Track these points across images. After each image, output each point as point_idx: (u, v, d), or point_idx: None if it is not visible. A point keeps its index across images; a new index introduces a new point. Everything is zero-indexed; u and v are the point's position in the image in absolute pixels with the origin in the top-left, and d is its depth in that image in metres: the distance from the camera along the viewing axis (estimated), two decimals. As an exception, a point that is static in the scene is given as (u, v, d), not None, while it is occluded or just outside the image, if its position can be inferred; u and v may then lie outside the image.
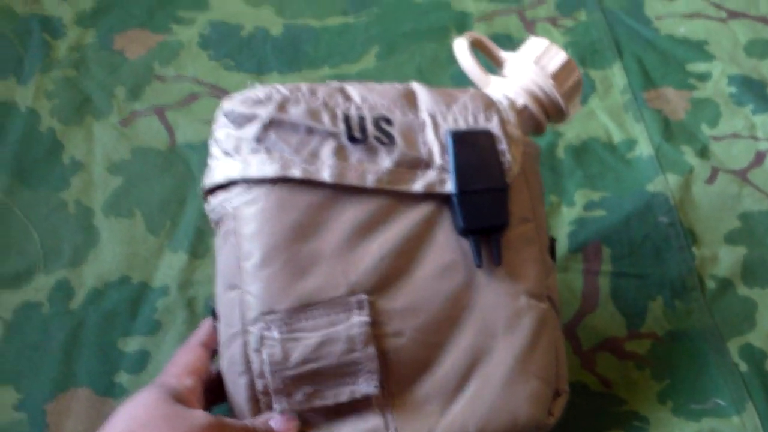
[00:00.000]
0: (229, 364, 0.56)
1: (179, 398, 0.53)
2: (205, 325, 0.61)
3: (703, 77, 0.92)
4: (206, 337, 0.60)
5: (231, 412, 0.57)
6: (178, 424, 0.51)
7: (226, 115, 0.57)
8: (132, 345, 0.70)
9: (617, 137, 0.86)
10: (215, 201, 0.58)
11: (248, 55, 0.93)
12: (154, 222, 0.78)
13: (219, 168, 0.57)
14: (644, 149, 0.85)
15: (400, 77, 0.90)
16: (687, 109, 0.89)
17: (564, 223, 0.79)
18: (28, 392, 0.67)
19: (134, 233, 0.77)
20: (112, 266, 0.74)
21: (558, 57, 0.64)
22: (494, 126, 0.60)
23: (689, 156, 0.84)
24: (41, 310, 0.72)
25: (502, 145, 0.59)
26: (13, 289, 0.73)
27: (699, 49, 0.95)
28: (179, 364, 0.57)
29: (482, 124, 0.60)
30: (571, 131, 0.86)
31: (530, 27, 0.98)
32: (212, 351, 0.59)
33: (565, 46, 0.95)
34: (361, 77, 0.91)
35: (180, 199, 0.80)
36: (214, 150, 0.58)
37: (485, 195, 0.58)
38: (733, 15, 1.00)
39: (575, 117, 0.87)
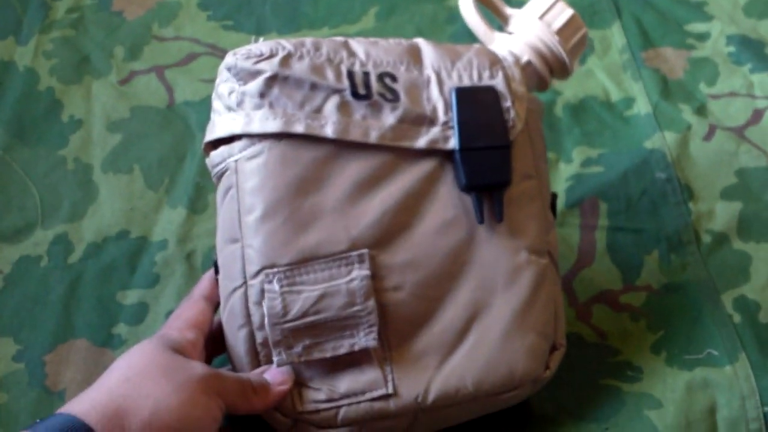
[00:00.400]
0: (229, 316, 0.56)
1: (179, 350, 0.54)
2: (207, 278, 0.61)
3: (702, 37, 0.92)
4: (209, 291, 0.60)
5: (231, 364, 0.58)
6: (174, 373, 0.51)
7: (230, 70, 0.57)
8: (131, 297, 0.70)
9: (615, 96, 0.86)
10: (217, 154, 0.58)
11: (247, 14, 0.94)
12: (153, 178, 0.78)
13: (221, 122, 0.57)
14: (642, 107, 0.85)
15: (399, 37, 0.90)
16: (685, 68, 0.89)
17: (561, 179, 0.79)
18: (27, 344, 0.67)
19: (133, 189, 0.77)
20: (110, 221, 0.75)
21: (564, 13, 0.64)
22: (499, 82, 0.60)
23: (687, 114, 0.84)
24: (40, 263, 0.72)
25: (507, 102, 0.59)
26: (12, 244, 0.73)
27: (698, 9, 0.95)
28: (182, 318, 0.58)
29: (487, 80, 0.60)
30: (569, 90, 0.86)
31: (529, -12, 0.98)
32: (215, 304, 0.60)
33: (564, 7, 0.95)
34: (361, 37, 0.91)
35: (179, 156, 0.80)
36: (217, 104, 0.59)
37: (488, 152, 0.58)
38: (733, -25, 1.00)
39: (574, 76, 0.87)
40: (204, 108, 0.81)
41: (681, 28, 0.93)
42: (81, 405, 0.49)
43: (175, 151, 0.80)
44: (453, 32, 0.92)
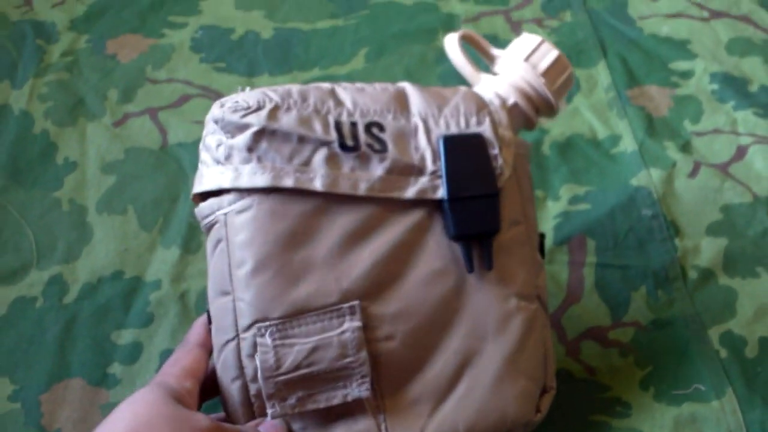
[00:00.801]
0: (223, 368, 0.57)
1: (179, 399, 0.54)
2: (201, 324, 0.61)
3: (686, 75, 0.94)
4: (203, 338, 0.60)
5: (225, 413, 0.58)
6: (180, 426, 0.51)
7: (217, 122, 0.57)
8: (125, 337, 0.71)
9: (601, 133, 0.88)
10: (206, 206, 0.58)
11: (239, 57, 0.95)
12: (147, 218, 0.79)
13: (209, 175, 0.57)
14: (628, 145, 0.86)
15: (388, 78, 0.92)
16: (670, 106, 0.91)
17: (549, 217, 0.80)
18: (23, 383, 0.68)
19: (127, 229, 0.78)
20: (105, 261, 0.76)
21: (549, 55, 0.64)
22: (486, 129, 0.59)
23: (672, 151, 0.86)
24: (35, 304, 0.73)
25: (494, 150, 0.59)
26: (7, 285, 0.74)
27: (682, 47, 0.97)
28: (178, 365, 0.58)
29: (474, 127, 0.59)
30: (556, 128, 0.88)
31: (516, 28, 0.99)
32: (209, 351, 0.60)
33: (551, 47, 0.97)
34: (351, 78, 0.92)
35: (172, 196, 0.81)
36: (204, 156, 0.58)
37: (477, 201, 0.58)
38: (716, 15, 1.01)
39: (560, 115, 0.88)
40: (197, 149, 0.80)
41: (665, 67, 0.95)
42: None
43: (168, 191, 0.81)
44: (441, 72, 0.93)
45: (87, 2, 1.01)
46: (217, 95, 0.90)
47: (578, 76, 0.94)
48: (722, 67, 0.94)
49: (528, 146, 0.64)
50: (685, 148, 0.86)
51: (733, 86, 0.92)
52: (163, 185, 0.82)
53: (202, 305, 0.72)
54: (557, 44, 0.97)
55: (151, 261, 0.76)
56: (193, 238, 0.77)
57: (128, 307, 0.73)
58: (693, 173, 0.84)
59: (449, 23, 1.00)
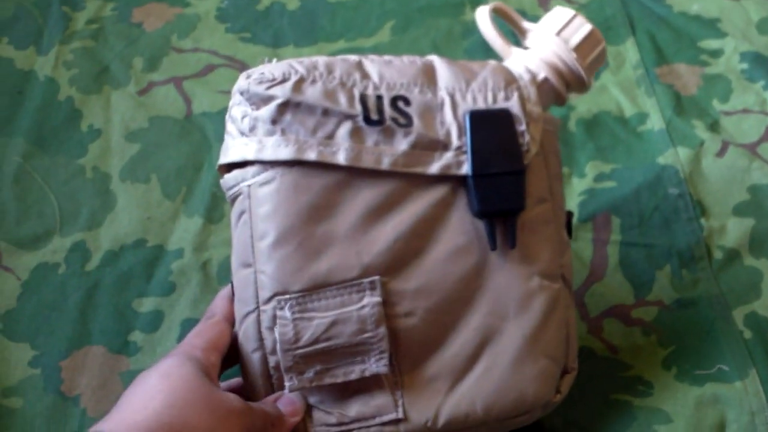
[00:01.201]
0: (243, 339, 0.57)
1: (207, 374, 0.54)
2: (225, 296, 0.61)
3: (716, 54, 0.93)
4: (227, 310, 0.60)
5: (245, 382, 0.58)
6: (217, 407, 0.51)
7: (242, 93, 0.57)
8: (146, 305, 0.71)
9: (629, 111, 0.87)
10: (230, 177, 0.58)
11: (265, 27, 0.95)
12: (170, 187, 0.79)
13: (234, 147, 0.57)
14: (655, 123, 0.85)
15: (414, 51, 0.91)
16: (699, 84, 0.90)
17: (574, 194, 0.79)
18: (43, 349, 0.68)
19: (150, 198, 0.78)
20: (128, 229, 0.76)
21: (582, 29, 0.63)
22: (514, 105, 0.58)
23: (700, 130, 0.85)
24: (58, 270, 0.73)
25: (521, 126, 0.58)
26: (30, 251, 0.74)
27: (712, 26, 0.96)
28: (204, 337, 0.57)
29: (501, 102, 0.58)
30: (583, 105, 0.87)
31: (544, 3, 0.98)
32: (233, 324, 0.60)
33: (579, 23, 0.96)
34: (377, 51, 0.92)
35: (196, 165, 0.81)
36: (230, 127, 0.58)
37: (502, 178, 0.57)
38: (747, -7, 1.00)
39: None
40: (221, 119, 0.80)
41: (694, 45, 0.94)
42: (119, 427, 0.48)
43: (192, 161, 0.81)
44: (468, 46, 0.93)
45: (113, -31, 1.00)
46: (243, 65, 0.90)
47: (606, 53, 0.92)
48: (752, 46, 0.93)
49: (557, 122, 0.63)
50: (714, 127, 0.85)
51: (764, 66, 0.91)
52: (187, 154, 0.82)
53: (223, 275, 0.72)
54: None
55: (174, 230, 0.76)
56: (215, 208, 0.77)
57: (150, 275, 0.73)
58: (721, 152, 0.83)
59: (476, -3, 0.99)
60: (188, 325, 0.69)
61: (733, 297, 0.72)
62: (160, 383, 0.52)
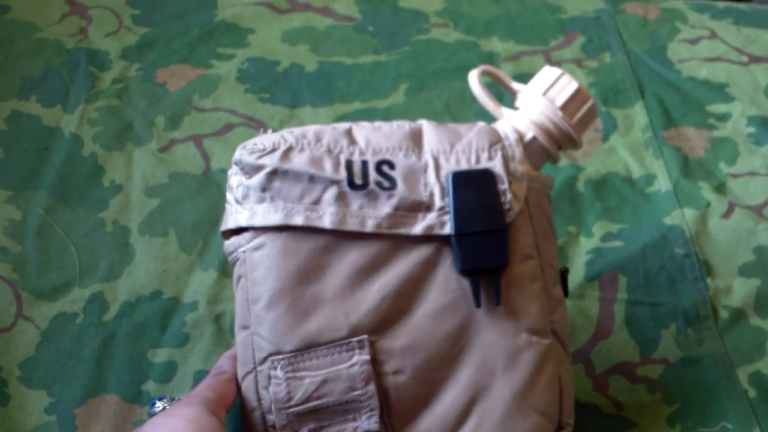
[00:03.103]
0: (244, 399, 0.59)
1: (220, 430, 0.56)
2: (230, 355, 0.63)
3: (723, 117, 0.95)
4: (236, 370, 0.61)
5: None
6: None
7: (237, 164, 0.60)
8: (160, 356, 0.73)
9: (636, 172, 0.89)
10: (229, 244, 0.61)
11: (283, 88, 0.97)
12: (187, 241, 0.81)
13: (231, 215, 0.60)
14: (663, 184, 0.87)
15: (427, 112, 0.94)
16: (706, 147, 0.91)
17: (582, 253, 0.81)
18: (59, 396, 0.70)
19: (168, 251, 0.80)
20: (145, 281, 0.78)
21: (568, 88, 0.64)
22: (496, 164, 0.60)
23: (706, 192, 0.86)
24: (76, 320, 0.75)
25: (503, 185, 0.59)
26: (50, 301, 0.76)
27: (720, 90, 0.98)
28: (217, 393, 0.59)
29: (485, 162, 0.60)
30: (592, 166, 0.89)
31: (557, 65, 1.01)
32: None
33: (589, 87, 0.98)
34: (391, 112, 0.94)
35: (212, 220, 0.83)
36: (229, 196, 0.61)
37: (484, 236, 0.58)
38: (755, 60, 1.02)
39: (595, 153, 0.90)
40: (238, 176, 0.84)
41: (702, 109, 0.96)
42: None
43: (209, 215, 0.83)
44: (479, 108, 0.94)
45: (139, 32, 1.04)
46: (260, 124, 0.92)
47: (615, 116, 0.95)
48: (760, 110, 0.95)
49: (550, 182, 0.64)
50: (720, 189, 0.87)
51: (770, 130, 0.93)
52: (204, 209, 0.84)
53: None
54: (595, 84, 0.98)
55: (189, 282, 0.78)
56: (229, 262, 0.79)
57: (165, 326, 0.75)
58: (727, 214, 0.84)
59: (489, 61, 1.01)
60: (201, 376, 0.70)
61: (738, 356, 0.73)
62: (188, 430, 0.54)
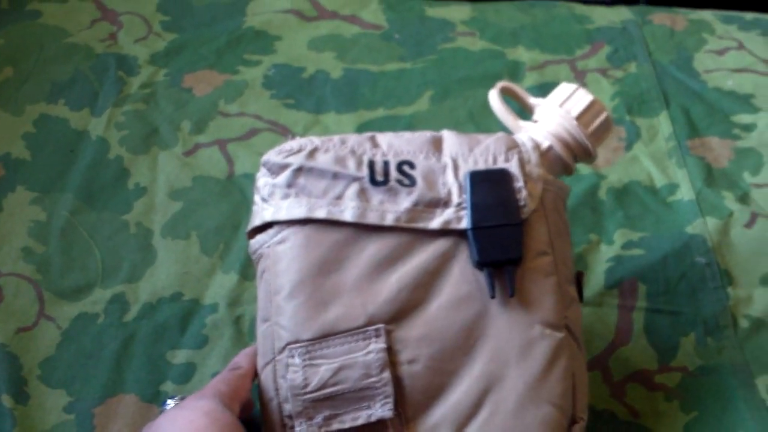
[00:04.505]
0: (262, 390, 0.60)
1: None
2: (248, 352, 0.64)
3: (748, 128, 0.94)
4: (252, 366, 0.62)
5: (265, 430, 0.60)
6: None
7: (264, 164, 0.63)
8: (179, 357, 0.74)
9: (659, 181, 0.88)
10: (254, 242, 0.63)
11: (308, 94, 0.98)
12: (209, 244, 0.82)
13: (257, 213, 0.63)
14: (685, 193, 0.86)
15: (451, 120, 0.94)
16: (730, 157, 0.91)
17: (602, 260, 0.81)
18: (78, 396, 0.71)
19: (189, 254, 0.81)
20: (166, 283, 0.79)
21: (583, 100, 0.67)
22: (512, 165, 0.62)
23: (729, 201, 0.86)
24: (97, 321, 0.76)
25: (519, 183, 0.61)
26: (72, 301, 0.77)
27: (745, 101, 0.97)
28: (231, 387, 0.60)
29: (501, 164, 0.62)
30: (614, 174, 0.89)
31: (580, 76, 1.01)
32: (254, 379, 0.62)
33: (614, 96, 0.98)
34: (415, 119, 0.95)
35: (234, 224, 0.84)
36: (256, 197, 0.64)
37: (500, 230, 0.60)
38: (782, 70, 1.02)
39: (618, 161, 0.89)
40: (261, 180, 0.84)
41: (728, 119, 0.95)
42: None
43: (231, 219, 0.84)
44: (504, 116, 0.95)
45: (168, 38, 1.05)
46: (285, 130, 0.93)
47: (639, 125, 0.94)
48: (786, 121, 0.94)
49: (566, 189, 0.65)
50: (743, 198, 0.86)
51: (796, 140, 0.92)
52: (227, 213, 0.85)
53: (254, 331, 0.74)
54: (620, 94, 0.98)
55: (210, 285, 0.79)
56: (251, 265, 0.80)
57: (184, 328, 0.76)
58: (750, 224, 0.84)
59: (514, 70, 1.02)
60: (219, 377, 0.71)
61: (757, 366, 0.72)
62: (206, 424, 0.54)
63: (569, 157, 0.66)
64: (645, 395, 0.71)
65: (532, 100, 0.70)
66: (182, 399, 0.62)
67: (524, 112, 0.72)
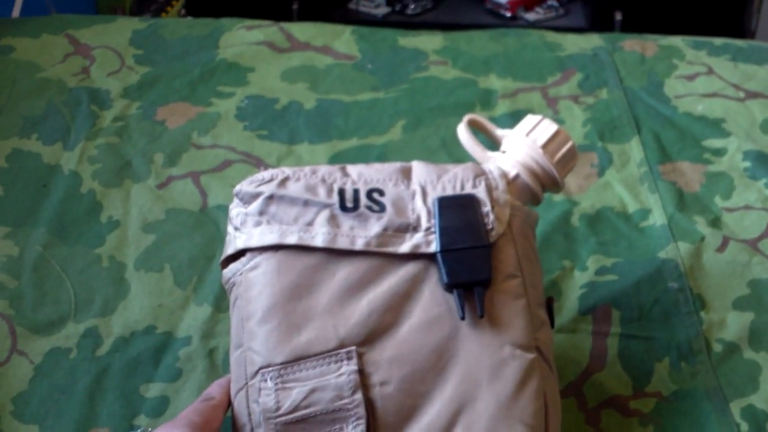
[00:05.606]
0: (236, 416, 0.60)
1: None
2: (221, 383, 0.63)
3: (719, 152, 0.95)
4: (225, 398, 0.62)
5: None
6: None
7: (237, 195, 0.64)
8: (153, 391, 0.73)
9: (632, 207, 0.89)
10: (228, 271, 0.64)
11: (281, 125, 0.98)
12: (182, 276, 0.82)
13: (230, 242, 0.64)
14: (657, 218, 0.87)
15: (424, 149, 0.94)
16: (701, 182, 0.91)
17: (575, 287, 0.81)
18: (51, 431, 0.70)
19: (162, 286, 0.81)
20: (139, 316, 0.78)
21: (548, 129, 0.69)
22: (480, 191, 0.64)
23: (701, 226, 0.86)
24: (70, 355, 0.75)
25: (486, 208, 0.63)
26: (44, 336, 0.76)
27: (716, 126, 0.98)
28: (204, 418, 0.59)
29: (469, 190, 0.64)
30: (586, 201, 0.89)
31: (552, 104, 1.02)
32: (227, 409, 0.62)
33: (585, 122, 0.99)
34: (388, 148, 0.95)
35: (208, 256, 0.83)
36: (229, 227, 0.65)
37: (468, 252, 0.61)
38: (752, 95, 1.03)
39: (591, 188, 0.90)
40: (235, 212, 0.84)
41: (698, 144, 0.96)
42: None
43: (204, 251, 0.84)
44: (477, 144, 0.95)
45: (140, 71, 1.05)
46: (258, 161, 0.93)
47: (611, 151, 0.95)
48: (756, 145, 0.95)
49: (532, 214, 0.66)
50: (715, 223, 0.87)
51: (766, 164, 0.93)
52: (200, 245, 0.84)
53: (228, 362, 0.74)
54: (591, 120, 0.99)
55: (183, 317, 0.78)
56: (224, 297, 0.79)
57: (158, 361, 0.75)
58: (721, 248, 0.84)
59: (487, 98, 1.02)
60: (193, 410, 0.71)
61: (731, 390, 0.73)
62: None
63: (537, 185, 0.68)
64: (620, 421, 0.71)
65: (500, 132, 0.72)
66: None
67: (493, 144, 0.73)
